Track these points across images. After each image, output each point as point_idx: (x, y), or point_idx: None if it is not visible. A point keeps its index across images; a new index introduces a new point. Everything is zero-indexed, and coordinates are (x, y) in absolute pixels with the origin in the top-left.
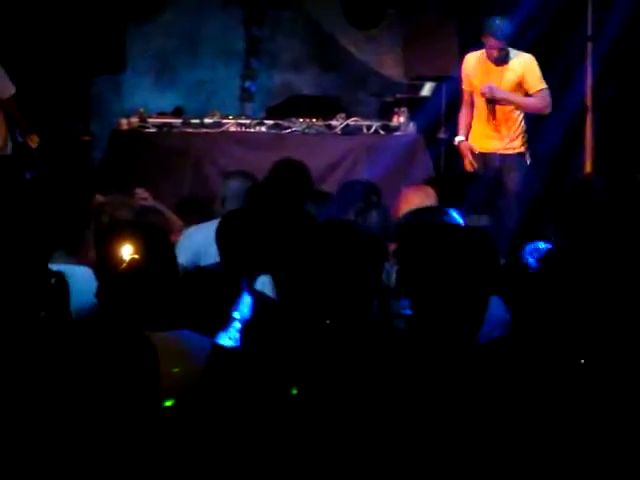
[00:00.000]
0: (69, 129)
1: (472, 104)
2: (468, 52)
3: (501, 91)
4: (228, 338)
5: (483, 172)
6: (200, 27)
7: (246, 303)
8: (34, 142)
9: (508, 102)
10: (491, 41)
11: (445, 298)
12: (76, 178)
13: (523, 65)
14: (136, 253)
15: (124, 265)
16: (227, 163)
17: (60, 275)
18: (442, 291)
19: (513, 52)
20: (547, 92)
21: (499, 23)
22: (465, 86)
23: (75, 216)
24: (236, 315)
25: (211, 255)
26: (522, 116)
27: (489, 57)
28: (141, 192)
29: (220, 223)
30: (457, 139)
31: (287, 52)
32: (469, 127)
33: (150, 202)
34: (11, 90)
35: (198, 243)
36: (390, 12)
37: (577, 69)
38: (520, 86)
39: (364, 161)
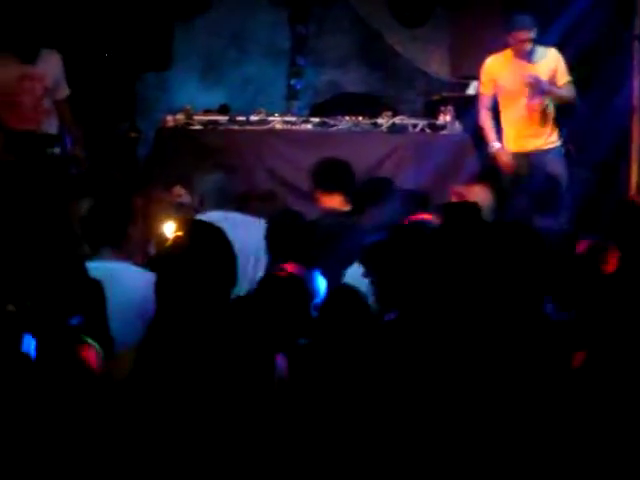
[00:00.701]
0: (117, 126)
1: (491, 109)
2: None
3: (545, 83)
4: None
5: (530, 172)
6: (246, 25)
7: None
8: (80, 155)
9: (551, 93)
10: (522, 34)
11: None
12: (121, 175)
13: (554, 58)
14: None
15: (169, 243)
16: (273, 161)
17: (97, 283)
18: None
19: (539, 47)
20: (572, 84)
21: (524, 15)
22: (487, 90)
23: (120, 212)
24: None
25: None
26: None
27: (519, 54)
28: (178, 189)
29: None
30: (495, 146)
31: (333, 50)
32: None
33: (186, 199)
34: (66, 92)
35: None
36: (437, 10)
37: (624, 69)
38: (551, 79)
39: (410, 159)
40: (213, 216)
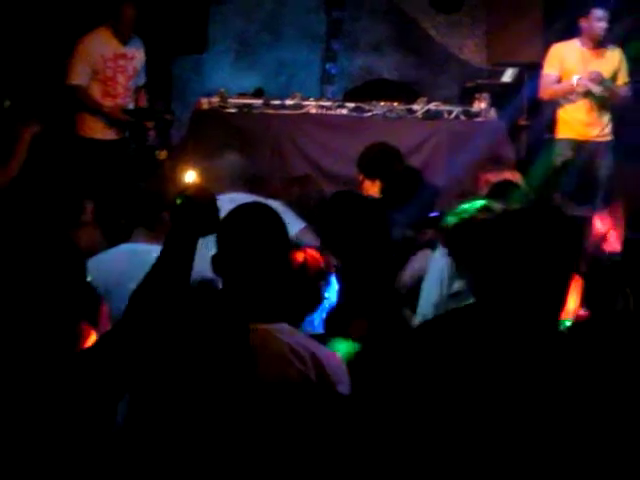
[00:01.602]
0: (155, 108)
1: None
2: (553, 39)
3: (606, 80)
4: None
5: (574, 160)
6: (281, 9)
7: (333, 289)
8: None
9: (610, 91)
10: (598, 13)
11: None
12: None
13: (618, 57)
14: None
15: (189, 189)
16: (307, 145)
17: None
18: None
19: (607, 44)
20: (630, 85)
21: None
22: (552, 70)
23: (154, 195)
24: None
25: None
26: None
27: (589, 42)
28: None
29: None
30: (575, 79)
31: (368, 35)
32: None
33: None
34: (144, 79)
35: None
36: None
37: None
38: (613, 77)
39: (445, 146)
40: (223, 198)
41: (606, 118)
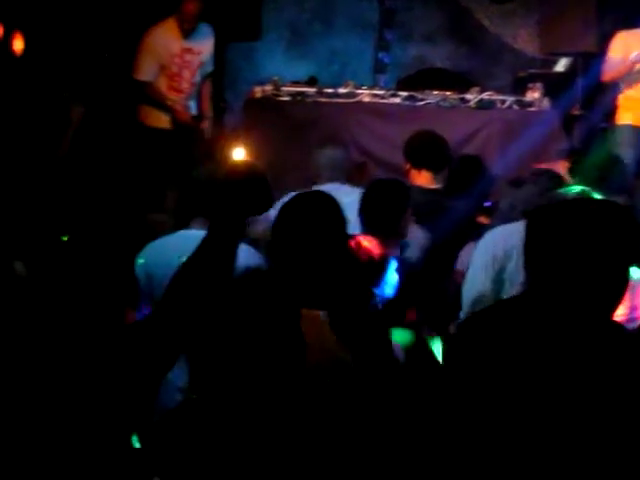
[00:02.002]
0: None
1: None
2: (607, 28)
3: None
4: None
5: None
6: None
7: (391, 284)
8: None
9: None
10: None
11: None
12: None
13: None
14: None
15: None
16: (360, 133)
17: None
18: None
19: None
20: None
21: None
22: (617, 54)
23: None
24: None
25: None
26: None
27: None
28: None
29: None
30: (633, 55)
31: (421, 24)
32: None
33: None
34: (211, 67)
35: None
36: None
37: None
38: None
39: (498, 136)
40: (326, 188)
41: None
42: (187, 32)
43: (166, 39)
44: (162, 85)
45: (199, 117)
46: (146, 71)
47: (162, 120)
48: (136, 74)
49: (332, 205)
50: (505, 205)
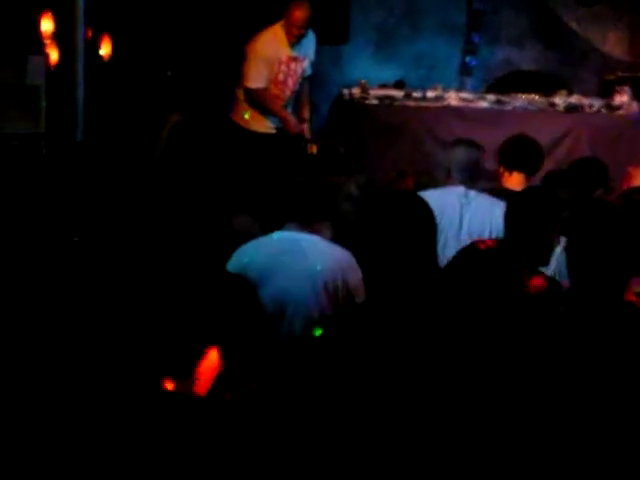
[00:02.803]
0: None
1: None
2: None
3: None
4: None
5: None
6: (420, 1)
7: None
8: (307, 132)
9: None
10: None
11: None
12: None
13: None
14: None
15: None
16: (447, 138)
17: None
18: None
19: None
20: None
21: None
22: None
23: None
24: None
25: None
26: None
27: None
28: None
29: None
30: None
31: (509, 27)
32: None
33: None
34: (310, 71)
35: None
36: None
37: None
38: None
39: (586, 140)
40: (454, 190)
41: None
42: (295, 40)
43: (275, 47)
44: (272, 92)
45: (300, 120)
46: (259, 78)
47: (265, 125)
48: (248, 82)
49: (419, 206)
50: None
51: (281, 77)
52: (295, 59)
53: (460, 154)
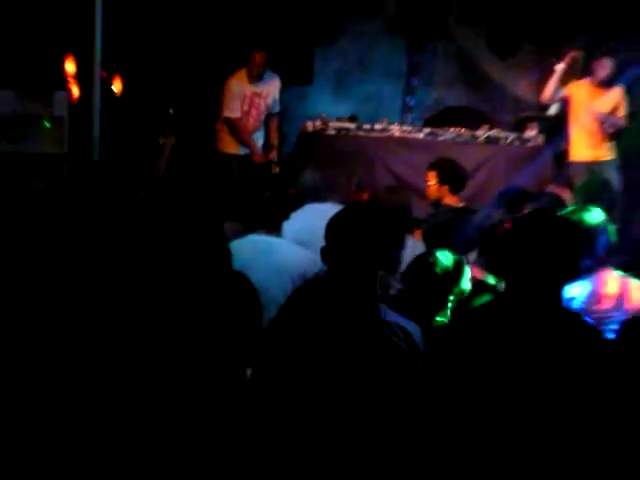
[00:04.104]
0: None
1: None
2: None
3: (605, 115)
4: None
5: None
6: (370, 52)
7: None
8: (275, 158)
9: (609, 120)
10: (606, 62)
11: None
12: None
13: (619, 95)
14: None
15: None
16: (391, 161)
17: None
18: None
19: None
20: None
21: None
22: (566, 92)
23: (273, 202)
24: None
25: None
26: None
27: (596, 83)
28: None
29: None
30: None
31: (441, 74)
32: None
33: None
34: (278, 108)
35: None
36: (526, 46)
37: None
38: (613, 109)
39: (502, 166)
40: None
41: (606, 141)
42: (255, 78)
43: (242, 84)
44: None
45: (269, 147)
46: (233, 109)
47: (239, 149)
48: (225, 112)
49: (378, 216)
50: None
51: (245, 108)
52: (258, 94)
53: (307, 179)
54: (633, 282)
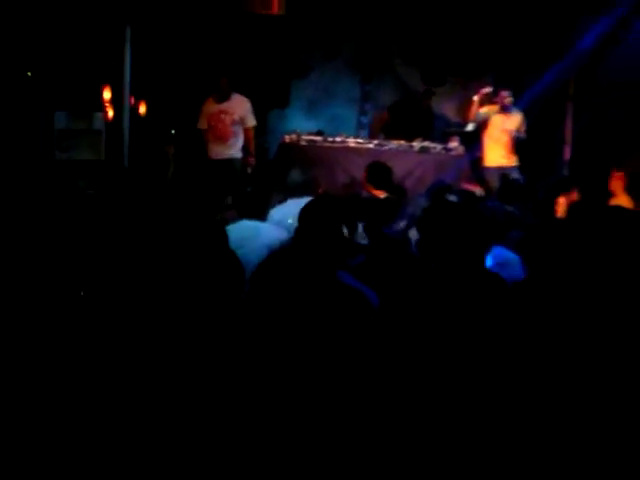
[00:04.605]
0: (258, 141)
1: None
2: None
3: (512, 131)
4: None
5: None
6: (334, 83)
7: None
8: (252, 163)
9: (518, 135)
10: (506, 94)
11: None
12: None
13: (520, 116)
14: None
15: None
16: (348, 165)
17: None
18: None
19: (513, 108)
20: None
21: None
22: (483, 111)
23: (259, 196)
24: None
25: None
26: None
27: (502, 109)
28: None
29: None
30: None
31: (386, 99)
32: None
33: None
34: (251, 123)
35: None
36: (450, 78)
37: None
38: (517, 127)
39: (432, 169)
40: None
41: (514, 151)
42: (220, 99)
43: (208, 105)
44: (210, 134)
45: (248, 153)
46: (201, 123)
47: (220, 154)
48: (197, 125)
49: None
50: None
51: (212, 123)
52: (224, 111)
53: (296, 178)
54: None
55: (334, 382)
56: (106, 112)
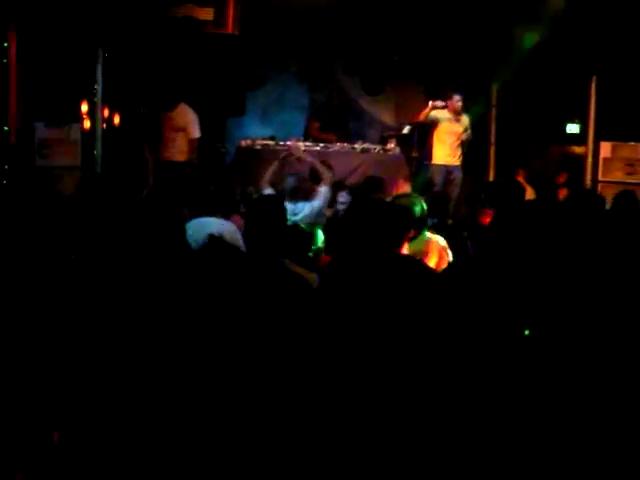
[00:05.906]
0: (216, 146)
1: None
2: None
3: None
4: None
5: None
6: (285, 92)
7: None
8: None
9: (466, 137)
10: (456, 98)
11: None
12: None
13: (467, 119)
14: None
15: None
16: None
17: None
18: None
19: (462, 113)
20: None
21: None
22: (430, 116)
23: (224, 194)
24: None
25: None
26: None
27: (453, 112)
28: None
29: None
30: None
31: None
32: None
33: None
34: (195, 134)
35: None
36: (387, 88)
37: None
38: (465, 129)
39: (372, 167)
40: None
41: (460, 151)
42: (167, 109)
43: (163, 115)
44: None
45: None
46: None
47: (177, 156)
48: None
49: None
50: None
51: (161, 129)
52: (170, 119)
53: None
54: (434, 239)
55: (269, 355)
56: (83, 123)
